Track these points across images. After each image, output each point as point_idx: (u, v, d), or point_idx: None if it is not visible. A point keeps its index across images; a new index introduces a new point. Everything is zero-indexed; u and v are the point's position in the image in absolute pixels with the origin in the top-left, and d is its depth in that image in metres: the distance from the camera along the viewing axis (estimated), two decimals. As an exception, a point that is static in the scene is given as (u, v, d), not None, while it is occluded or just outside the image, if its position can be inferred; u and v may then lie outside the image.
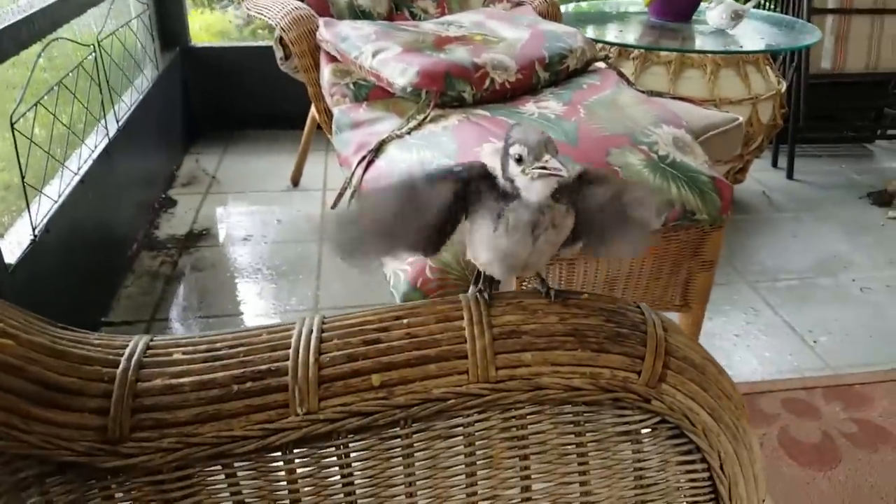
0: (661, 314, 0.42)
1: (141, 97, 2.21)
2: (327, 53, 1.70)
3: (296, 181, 2.51)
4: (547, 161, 0.40)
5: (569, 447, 0.40)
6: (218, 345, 0.41)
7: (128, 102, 2.12)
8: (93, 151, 1.78)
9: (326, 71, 1.66)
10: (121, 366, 0.39)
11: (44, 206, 1.49)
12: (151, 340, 0.41)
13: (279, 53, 2.03)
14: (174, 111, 2.68)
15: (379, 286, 1.92)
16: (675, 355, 0.39)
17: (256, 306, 1.85)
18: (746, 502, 0.41)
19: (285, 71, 2.08)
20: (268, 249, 2.10)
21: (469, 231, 0.45)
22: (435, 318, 0.41)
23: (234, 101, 2.86)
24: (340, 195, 1.43)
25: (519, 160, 0.42)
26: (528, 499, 0.40)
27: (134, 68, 2.28)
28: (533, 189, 0.42)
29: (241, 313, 1.82)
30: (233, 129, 2.88)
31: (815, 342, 1.70)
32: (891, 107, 2.99)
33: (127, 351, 0.40)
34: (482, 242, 0.43)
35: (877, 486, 1.26)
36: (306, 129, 2.36)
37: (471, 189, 0.44)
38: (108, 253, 1.89)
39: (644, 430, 0.40)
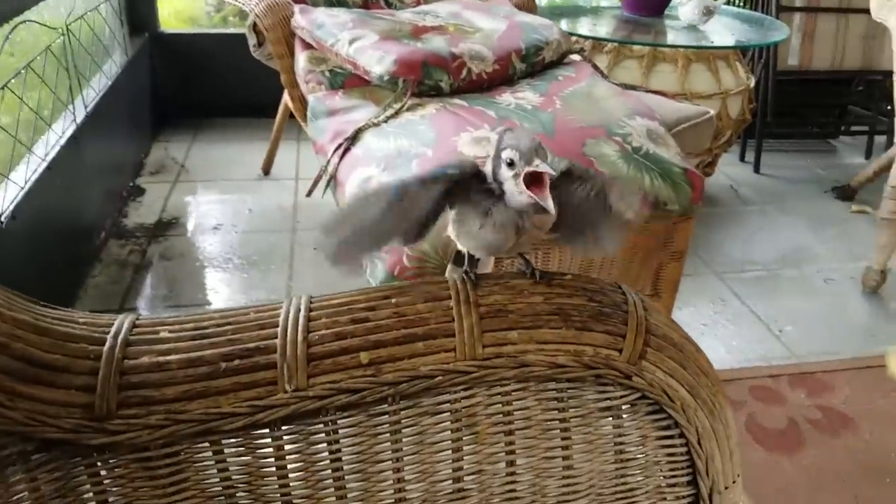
0: (640, 294, 0.43)
1: (109, 83, 2.17)
2: (302, 40, 1.69)
3: (267, 170, 2.49)
4: (538, 165, 0.41)
5: (552, 423, 0.41)
6: (205, 323, 0.41)
7: (96, 88, 2.08)
8: (60, 137, 1.74)
9: (302, 58, 1.65)
10: (107, 343, 0.39)
11: (10, 192, 1.46)
12: (137, 319, 0.41)
13: (252, 40, 2.01)
14: (143, 98, 2.63)
15: (351, 277, 1.91)
16: (655, 333, 0.41)
17: (227, 296, 1.83)
18: (722, 476, 0.42)
19: (258, 58, 2.06)
20: (238, 239, 2.08)
21: (453, 220, 0.46)
22: (422, 298, 0.42)
23: (203, 89, 2.82)
24: (316, 183, 1.43)
25: (510, 164, 0.43)
26: (513, 473, 0.41)
27: (102, 53, 2.24)
28: (516, 201, 0.42)
29: (212, 303, 1.80)
30: (202, 117, 2.84)
31: (780, 331, 1.75)
32: (855, 104, 3.06)
33: (113, 329, 0.40)
34: (468, 234, 0.44)
35: (839, 470, 1.30)
36: (278, 116, 2.34)
37: (459, 184, 0.44)
38: (76, 241, 1.86)
39: (624, 406, 0.41)
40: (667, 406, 0.40)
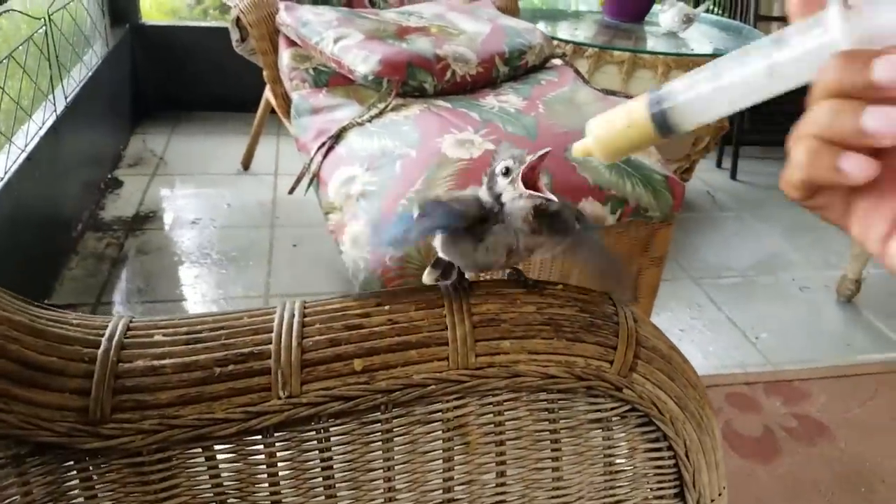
0: (630, 306, 0.43)
1: (90, 74, 2.14)
2: (286, 37, 1.68)
3: (247, 165, 2.47)
4: (532, 160, 0.42)
5: (543, 433, 0.41)
6: (199, 327, 0.41)
7: (76, 79, 2.05)
8: (40, 128, 1.72)
9: (286, 55, 1.64)
10: (102, 346, 0.39)
11: (-11, 183, 1.44)
12: (131, 321, 0.41)
13: (235, 35, 1.99)
14: (122, 89, 2.60)
15: (331, 274, 1.91)
16: (645, 345, 0.41)
17: (205, 292, 1.82)
18: (708, 489, 0.43)
19: (241, 53, 2.05)
20: (217, 234, 2.07)
21: (445, 239, 0.46)
22: (415, 305, 0.42)
23: (183, 82, 2.79)
24: (298, 181, 1.42)
25: (506, 172, 0.43)
26: (503, 483, 0.42)
27: (84, 44, 2.20)
28: (517, 205, 0.43)
29: (190, 298, 1.79)
30: (181, 110, 2.82)
31: (756, 338, 1.77)
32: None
33: (107, 331, 0.40)
34: (460, 253, 0.45)
35: (815, 479, 1.32)
36: (259, 112, 2.33)
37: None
38: (53, 233, 1.84)
39: (614, 418, 0.42)
40: (656, 418, 0.41)
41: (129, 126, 2.64)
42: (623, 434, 0.42)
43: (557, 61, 1.77)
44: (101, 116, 2.33)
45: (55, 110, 1.83)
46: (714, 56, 2.30)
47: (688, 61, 2.24)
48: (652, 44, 2.24)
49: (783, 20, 2.92)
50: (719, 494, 0.44)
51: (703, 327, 1.81)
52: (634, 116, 0.33)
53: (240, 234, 2.08)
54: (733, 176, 2.71)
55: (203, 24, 3.29)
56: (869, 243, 0.30)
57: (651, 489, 0.43)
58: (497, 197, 0.44)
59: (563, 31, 2.29)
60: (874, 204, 0.30)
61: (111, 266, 1.87)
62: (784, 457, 1.37)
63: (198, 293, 1.81)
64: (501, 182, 0.43)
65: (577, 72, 1.72)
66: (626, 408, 0.41)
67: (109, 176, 2.31)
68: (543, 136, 1.31)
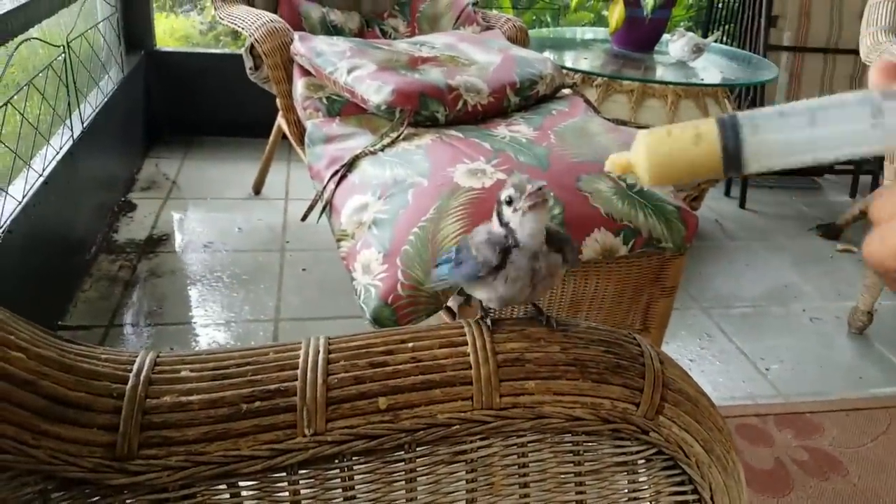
0: (655, 347, 0.44)
1: (105, 99, 2.17)
2: (300, 67, 1.71)
3: (258, 189, 2.49)
4: (532, 189, 0.43)
5: (567, 476, 0.41)
6: (226, 363, 0.42)
7: (93, 104, 2.08)
8: (58, 152, 1.74)
9: (300, 84, 1.66)
10: (129, 382, 0.39)
11: (8, 207, 1.45)
12: (158, 356, 0.41)
13: (249, 63, 2.02)
14: (136, 114, 2.64)
15: (340, 298, 1.92)
16: (671, 388, 0.41)
17: (217, 314, 1.82)
18: (730, 529, 0.43)
19: (254, 81, 2.08)
20: (228, 257, 2.08)
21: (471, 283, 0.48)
22: (439, 343, 0.43)
23: (196, 107, 2.83)
24: (311, 208, 1.43)
25: (509, 202, 0.44)
26: (526, 523, 0.42)
27: (100, 70, 2.24)
28: (526, 225, 0.44)
29: (201, 321, 1.80)
30: (194, 135, 2.85)
31: (767, 370, 1.76)
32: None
33: (135, 367, 0.40)
34: (483, 286, 0.46)
35: (825, 511, 1.30)
36: (272, 138, 2.35)
37: None
38: (67, 255, 1.85)
39: (640, 461, 0.42)
40: (682, 462, 0.41)
41: (143, 150, 2.67)
42: (648, 477, 0.42)
43: (567, 91, 1.78)
44: (115, 140, 2.36)
45: (72, 135, 1.85)
46: (725, 86, 2.32)
47: (697, 91, 2.25)
48: (661, 73, 2.26)
49: (792, 49, 2.94)
50: (744, 538, 0.43)
51: (713, 357, 1.80)
52: (703, 135, 0.29)
53: (250, 257, 2.09)
54: (742, 205, 2.71)
55: (216, 50, 3.34)
56: None
57: (676, 533, 0.42)
58: (507, 226, 0.45)
59: (573, 60, 2.31)
60: None
61: (124, 288, 1.88)
62: (796, 491, 1.35)
63: (209, 316, 1.82)
64: (507, 211, 0.45)
65: (588, 101, 1.74)
66: (653, 451, 0.41)
67: (123, 199, 2.34)
68: (555, 167, 1.31)
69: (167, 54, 2.82)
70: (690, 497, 0.42)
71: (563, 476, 0.41)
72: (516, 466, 0.41)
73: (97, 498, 0.38)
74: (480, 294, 0.48)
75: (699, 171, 0.29)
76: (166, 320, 1.78)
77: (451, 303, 0.51)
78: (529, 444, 0.41)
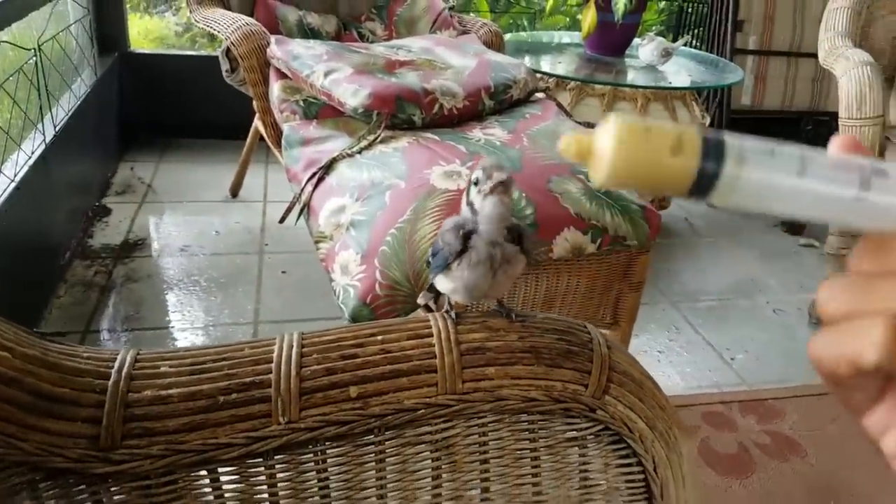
0: (604, 333, 0.47)
1: (78, 102, 2.17)
2: (277, 70, 1.73)
3: (235, 192, 2.50)
4: (500, 175, 0.46)
5: (524, 452, 0.45)
6: (202, 358, 0.44)
7: (66, 107, 2.08)
8: (30, 157, 1.74)
9: (276, 87, 1.68)
10: (111, 378, 0.42)
11: (-21, 213, 1.46)
12: (138, 354, 0.44)
13: (225, 66, 2.03)
14: (110, 117, 2.63)
15: (319, 300, 1.94)
16: (618, 370, 0.45)
17: (195, 319, 1.83)
18: (676, 501, 0.47)
19: (231, 83, 2.09)
20: (206, 261, 2.09)
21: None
22: (407, 335, 0.46)
23: (171, 109, 2.83)
24: (289, 210, 1.45)
25: (476, 182, 0.48)
26: (487, 499, 0.45)
27: (72, 73, 2.23)
28: (487, 207, 0.47)
29: (179, 326, 1.80)
30: (169, 137, 2.85)
31: (732, 359, 1.82)
32: (804, 142, 3.20)
33: (116, 363, 0.43)
34: (450, 275, 0.49)
35: (787, 493, 1.36)
36: (248, 140, 2.36)
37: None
38: (41, 261, 1.85)
39: (589, 437, 0.45)
40: (627, 437, 0.44)
41: (118, 154, 2.67)
42: (597, 451, 0.45)
43: (541, 95, 1.82)
44: (89, 144, 2.36)
45: (44, 139, 1.85)
46: (693, 89, 2.38)
47: (666, 94, 2.31)
48: (632, 77, 2.31)
49: (757, 53, 3.02)
50: (687, 508, 0.47)
51: (680, 349, 1.85)
52: (684, 146, 0.25)
53: (228, 261, 2.10)
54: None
55: (191, 52, 3.34)
56: (886, 441, 0.27)
57: (623, 501, 0.46)
58: (471, 206, 0.48)
59: (547, 63, 2.36)
60: None
61: (100, 294, 1.88)
62: (758, 472, 1.41)
63: (187, 320, 1.83)
64: (473, 191, 0.48)
65: (560, 105, 1.78)
66: (600, 427, 0.45)
67: (97, 203, 2.33)
68: (528, 169, 1.35)
69: (141, 56, 2.81)
70: (635, 469, 0.45)
71: (519, 452, 0.45)
72: (477, 445, 0.44)
73: (83, 486, 0.40)
74: (448, 285, 0.51)
75: (662, 186, 0.25)
76: (144, 325, 1.79)
77: (421, 300, 0.55)
78: (489, 425, 0.44)
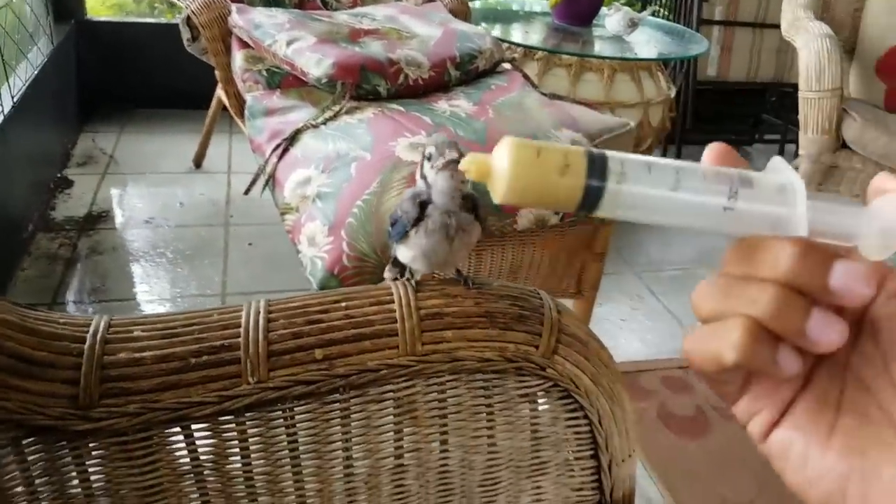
0: (555, 299, 0.50)
1: (35, 73, 2.12)
2: (239, 39, 1.71)
3: (199, 163, 2.48)
4: (451, 153, 0.49)
5: (479, 408, 0.48)
6: (173, 324, 0.46)
7: (22, 77, 2.04)
8: (-12, 128, 1.71)
9: (238, 56, 1.67)
10: (87, 341, 0.44)
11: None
12: (112, 319, 0.46)
13: (186, 34, 2.01)
14: (69, 87, 2.58)
15: (286, 272, 1.95)
16: (566, 332, 0.48)
17: (161, 291, 1.84)
18: (619, 451, 0.50)
19: (192, 52, 2.06)
20: (171, 233, 2.09)
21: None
22: (369, 302, 0.48)
23: (132, 78, 2.78)
24: (254, 182, 1.46)
25: (429, 158, 0.50)
26: (446, 451, 0.48)
27: (28, 42, 2.19)
28: (439, 182, 0.50)
29: (145, 298, 1.81)
30: (130, 107, 2.81)
31: (691, 326, 1.88)
32: (768, 113, 3.27)
33: (91, 328, 0.45)
34: (408, 243, 0.51)
35: (741, 453, 1.43)
36: (211, 110, 2.34)
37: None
38: (4, 234, 1.83)
39: (539, 393, 0.49)
40: (574, 392, 0.48)
41: (78, 124, 2.62)
42: (547, 406, 0.49)
43: (507, 66, 1.84)
44: (48, 115, 2.32)
45: (2, 110, 1.82)
46: (658, 60, 2.41)
47: (632, 65, 2.34)
48: (599, 47, 2.33)
49: (724, 24, 3.06)
50: (629, 456, 0.51)
51: (642, 317, 1.91)
52: (571, 167, 0.27)
53: (194, 232, 2.10)
54: (675, 173, 2.82)
55: (151, 20, 3.27)
56: (751, 426, 0.30)
57: (571, 451, 0.50)
58: (425, 179, 0.51)
59: (515, 33, 2.37)
60: (768, 391, 0.29)
61: (65, 266, 1.88)
62: (714, 433, 1.48)
63: (154, 292, 1.83)
64: (426, 166, 0.50)
65: (526, 77, 1.79)
66: (549, 384, 0.48)
67: (59, 175, 2.30)
68: (492, 141, 1.36)
69: (99, 24, 2.76)
70: (582, 422, 0.49)
71: (475, 408, 0.48)
72: (436, 402, 0.47)
73: (64, 443, 0.43)
74: (407, 254, 0.53)
75: (554, 202, 0.28)
76: (110, 297, 1.79)
77: (388, 274, 0.57)
78: (447, 384, 0.47)
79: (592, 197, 0.27)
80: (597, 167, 0.27)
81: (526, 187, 0.27)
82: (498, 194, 0.28)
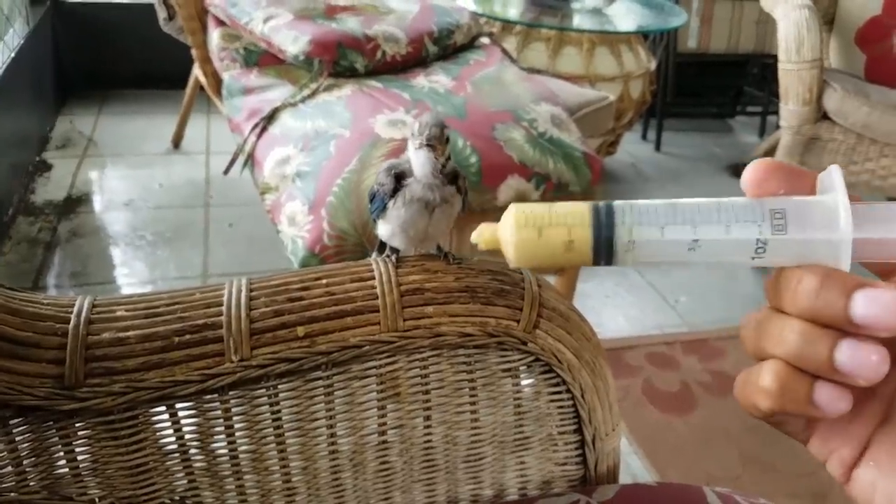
0: (536, 274, 0.51)
1: (12, 55, 2.08)
2: (215, 17, 1.69)
3: (177, 143, 2.46)
4: (430, 134, 0.48)
5: (462, 383, 0.49)
6: (156, 303, 0.47)
7: (-2, 60, 2.01)
8: (-37, 111, 1.68)
9: (215, 35, 1.65)
10: (72, 322, 0.44)
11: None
12: (95, 300, 0.46)
13: (162, 14, 1.98)
14: (46, 69, 2.53)
15: (267, 252, 1.94)
16: (547, 306, 0.49)
17: (143, 273, 1.83)
18: (603, 425, 0.51)
19: (168, 32, 2.04)
20: (151, 215, 2.07)
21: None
22: (350, 278, 0.49)
23: (109, 59, 2.74)
24: (233, 161, 1.45)
25: (412, 135, 0.50)
26: (429, 426, 0.49)
27: (4, 24, 2.14)
28: (417, 160, 0.49)
29: (126, 281, 1.80)
30: (108, 89, 2.77)
31: (676, 302, 1.90)
32: (749, 85, 3.28)
33: (75, 308, 0.45)
34: (387, 217, 0.51)
35: (726, 428, 1.44)
36: (188, 90, 2.31)
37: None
38: (-19, 218, 1.81)
39: (522, 367, 0.49)
40: (556, 367, 0.49)
41: (56, 107, 2.58)
42: (529, 381, 0.49)
43: (485, 40, 1.83)
44: (26, 97, 2.28)
45: (-22, 93, 1.79)
46: (638, 33, 2.41)
47: (612, 38, 2.33)
48: (578, 21, 2.32)
49: (702, -3, 3.04)
50: (613, 429, 0.52)
51: (626, 293, 1.92)
52: (576, 244, 0.27)
53: (174, 214, 2.08)
54: (657, 148, 2.84)
55: (127, 0, 3.22)
56: (831, 467, 0.28)
57: (554, 426, 0.51)
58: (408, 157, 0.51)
59: (494, 6, 2.35)
60: (838, 428, 0.27)
61: (45, 250, 1.86)
62: (699, 409, 1.49)
63: (135, 275, 1.82)
64: (410, 144, 0.50)
65: (504, 51, 1.79)
66: (531, 359, 0.49)
67: (38, 159, 2.27)
68: (472, 116, 1.37)
69: (75, 5, 2.70)
70: (565, 395, 0.50)
71: (458, 383, 0.49)
72: (419, 378, 0.48)
73: (51, 422, 0.43)
74: (386, 228, 0.53)
75: (567, 266, 0.29)
76: (91, 280, 1.78)
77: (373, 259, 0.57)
78: (429, 359, 0.48)
79: (604, 261, 0.28)
80: (602, 245, 0.27)
81: (532, 263, 0.28)
82: (510, 261, 0.29)
